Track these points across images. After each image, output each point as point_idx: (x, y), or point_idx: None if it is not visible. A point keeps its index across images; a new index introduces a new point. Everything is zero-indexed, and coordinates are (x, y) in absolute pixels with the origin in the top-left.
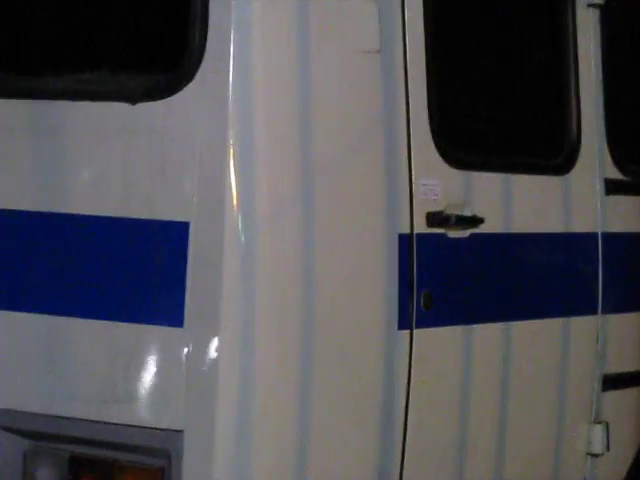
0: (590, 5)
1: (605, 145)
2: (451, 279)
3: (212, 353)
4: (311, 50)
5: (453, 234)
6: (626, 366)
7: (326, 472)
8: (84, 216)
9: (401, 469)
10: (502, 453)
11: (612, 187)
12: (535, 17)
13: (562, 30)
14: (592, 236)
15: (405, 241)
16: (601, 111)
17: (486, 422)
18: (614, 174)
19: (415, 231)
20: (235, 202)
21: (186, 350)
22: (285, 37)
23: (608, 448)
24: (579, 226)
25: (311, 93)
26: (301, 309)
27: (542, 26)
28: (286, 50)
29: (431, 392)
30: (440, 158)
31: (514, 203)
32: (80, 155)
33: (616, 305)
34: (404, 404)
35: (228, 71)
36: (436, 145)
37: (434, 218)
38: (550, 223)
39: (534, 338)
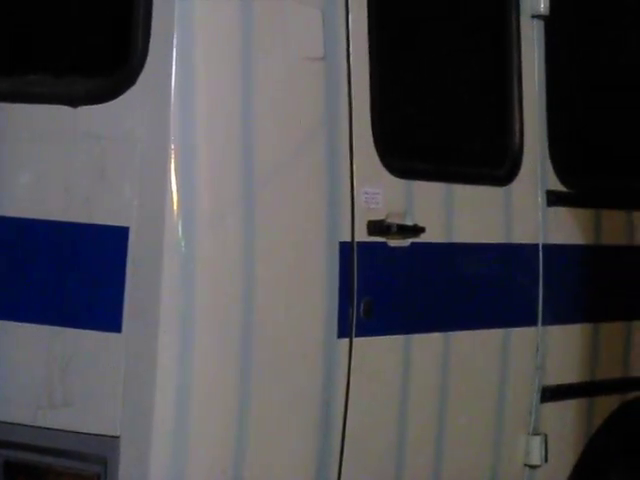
0: (534, 16)
1: (547, 156)
2: (391, 288)
3: (150, 359)
4: (254, 56)
5: (394, 243)
6: (565, 378)
7: (263, 479)
8: (23, 219)
9: (339, 475)
10: (440, 463)
11: (554, 199)
12: (479, 27)
13: (506, 40)
14: (533, 247)
15: (346, 249)
16: (544, 122)
17: (424, 432)
18: (556, 186)
19: (356, 239)
20: (175, 207)
21: (124, 355)
22: (228, 42)
23: (546, 459)
24: (520, 237)
25: (254, 98)
26: (240, 315)
27: (486, 36)
28: (229, 55)
29: (370, 401)
30: (382, 167)
31: (456, 213)
32: (20, 158)
33: (556, 317)
34: (342, 412)
35: (170, 75)
36: (378, 153)
37: (375, 227)
38: (491, 233)
39: (473, 348)
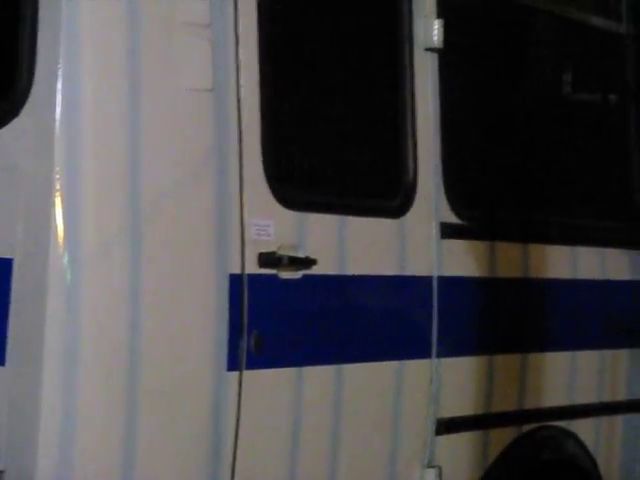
0: (428, 49)
1: (442, 188)
2: (283, 321)
3: (34, 393)
4: (142, 87)
5: (285, 275)
6: (460, 410)
7: None
8: None
9: None
10: None
11: (448, 231)
12: (373, 59)
13: (399, 73)
14: (427, 279)
15: (236, 281)
16: (438, 155)
17: (316, 466)
18: (450, 218)
19: (246, 271)
20: (60, 239)
21: (7, 389)
22: (115, 73)
23: None
24: (414, 269)
25: (142, 130)
26: (127, 348)
27: (380, 68)
28: (116, 87)
29: (260, 433)
30: (273, 198)
31: (348, 245)
32: None
33: (451, 349)
34: (232, 446)
35: (55, 106)
36: (269, 185)
37: (266, 259)
38: (385, 266)
39: (367, 381)
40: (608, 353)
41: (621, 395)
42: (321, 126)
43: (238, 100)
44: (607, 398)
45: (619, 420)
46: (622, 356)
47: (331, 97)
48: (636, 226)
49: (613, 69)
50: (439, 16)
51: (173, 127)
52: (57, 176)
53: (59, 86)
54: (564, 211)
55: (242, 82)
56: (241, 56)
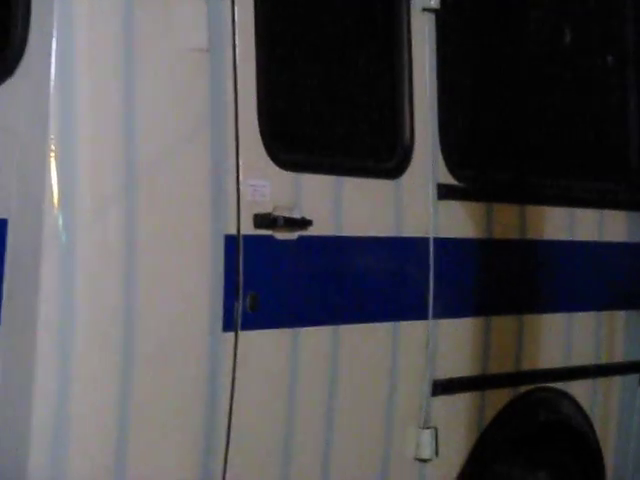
0: (425, 9)
1: (438, 150)
2: (278, 281)
3: (29, 354)
4: (137, 47)
5: (281, 236)
6: (457, 371)
7: (146, 474)
8: None
9: (224, 471)
10: (328, 456)
11: (445, 192)
12: (369, 20)
13: (396, 33)
14: (423, 241)
15: (231, 242)
16: (435, 116)
17: (313, 425)
18: (447, 179)
19: (242, 232)
20: (55, 200)
21: (2, 351)
22: (109, 33)
23: (437, 453)
24: (411, 230)
25: (136, 90)
26: (122, 309)
27: (376, 29)
28: (110, 46)
29: (256, 394)
30: (269, 159)
31: (344, 206)
32: None
33: (447, 310)
34: (228, 406)
35: (50, 66)
36: (265, 146)
37: (261, 220)
38: (381, 227)
39: (363, 342)
40: (605, 315)
41: (618, 357)
42: (318, 87)
43: (234, 60)
44: (604, 360)
45: (616, 382)
46: (619, 318)
47: (328, 58)
48: (633, 188)
49: (612, 29)
50: None
51: (169, 87)
52: (51, 136)
53: (53, 46)
54: (562, 173)
55: (238, 42)
56: (237, 16)
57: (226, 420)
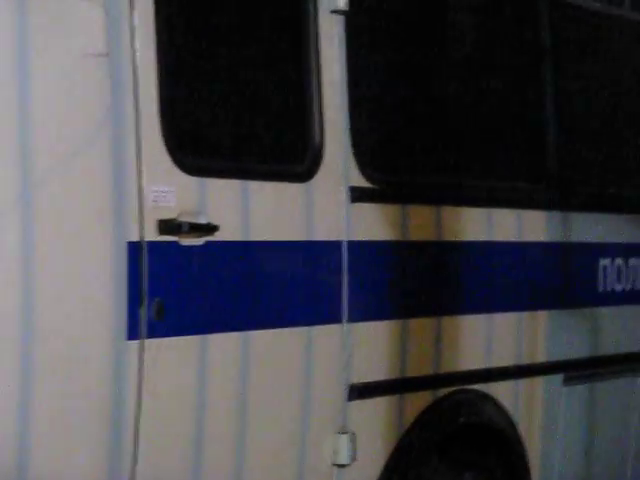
0: (334, 11)
1: (350, 152)
2: (185, 288)
3: None
4: (31, 52)
5: (186, 242)
6: (373, 375)
7: None
8: None
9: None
10: (242, 464)
11: (357, 195)
12: (276, 22)
13: (304, 35)
14: (336, 244)
15: (134, 249)
16: (346, 118)
17: (224, 434)
18: (360, 182)
19: (146, 239)
20: None
21: None
22: (3, 38)
23: (355, 458)
24: (323, 234)
25: (31, 96)
26: (21, 319)
27: (284, 31)
28: (3, 52)
29: (164, 404)
30: (173, 164)
31: (253, 210)
32: None
33: (362, 314)
34: (134, 415)
35: None
36: (169, 151)
37: (166, 225)
38: (291, 231)
39: (275, 347)
40: (526, 315)
41: (540, 357)
42: (222, 91)
43: (134, 65)
44: (525, 361)
45: (539, 382)
46: (540, 318)
47: (232, 61)
48: (551, 188)
49: (527, 30)
50: None
51: (66, 93)
52: None
53: None
54: (478, 173)
55: (138, 46)
56: (136, 20)
57: (133, 428)
